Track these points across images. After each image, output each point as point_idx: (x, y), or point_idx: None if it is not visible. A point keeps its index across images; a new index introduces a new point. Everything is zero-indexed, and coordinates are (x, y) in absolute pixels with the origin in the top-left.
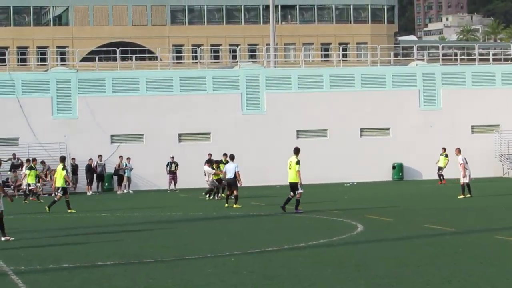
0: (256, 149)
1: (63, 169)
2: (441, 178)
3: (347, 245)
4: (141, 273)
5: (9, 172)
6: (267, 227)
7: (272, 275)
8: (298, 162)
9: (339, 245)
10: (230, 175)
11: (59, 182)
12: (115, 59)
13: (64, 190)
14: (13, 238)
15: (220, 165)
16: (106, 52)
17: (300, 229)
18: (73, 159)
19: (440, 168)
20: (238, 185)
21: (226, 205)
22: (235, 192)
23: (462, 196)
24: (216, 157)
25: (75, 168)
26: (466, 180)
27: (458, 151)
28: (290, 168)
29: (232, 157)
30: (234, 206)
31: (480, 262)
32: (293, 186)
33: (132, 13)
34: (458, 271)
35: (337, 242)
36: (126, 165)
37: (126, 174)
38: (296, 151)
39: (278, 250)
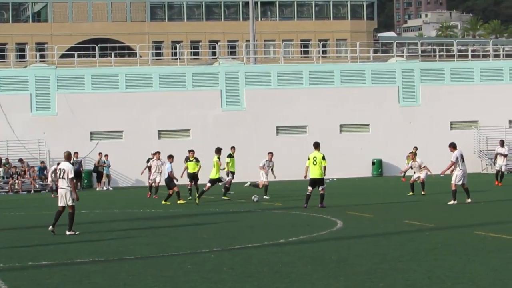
0: (235, 145)
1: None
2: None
3: (327, 241)
4: (121, 270)
5: None
6: (247, 224)
7: (252, 272)
8: (324, 157)
9: (319, 241)
10: (165, 176)
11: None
12: (94, 56)
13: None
14: (78, 232)
15: (188, 162)
16: (85, 48)
17: (280, 226)
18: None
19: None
20: (175, 181)
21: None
22: (170, 192)
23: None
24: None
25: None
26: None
27: (453, 147)
28: (314, 164)
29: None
30: (163, 202)
31: (460, 258)
32: (318, 181)
33: (112, 10)
34: (438, 266)
35: (317, 238)
36: (105, 162)
37: (105, 171)
38: (317, 145)
39: (258, 247)
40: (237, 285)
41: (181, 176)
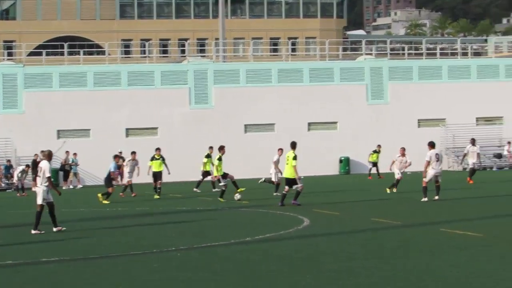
0: (203, 143)
1: None
2: (370, 173)
3: (293, 239)
4: (87, 269)
5: None
6: (213, 222)
7: (218, 270)
8: (295, 157)
9: (286, 239)
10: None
11: None
12: (62, 54)
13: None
14: (64, 228)
15: (152, 161)
16: (53, 46)
17: (247, 224)
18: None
19: (373, 164)
20: (114, 182)
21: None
22: (109, 190)
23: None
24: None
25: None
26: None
27: (430, 146)
28: (287, 163)
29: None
30: (100, 198)
31: (426, 255)
32: (290, 181)
33: (81, 7)
34: (404, 264)
35: (284, 236)
36: (72, 160)
37: (73, 170)
38: (293, 145)
39: (224, 245)
40: (203, 284)
41: (148, 174)
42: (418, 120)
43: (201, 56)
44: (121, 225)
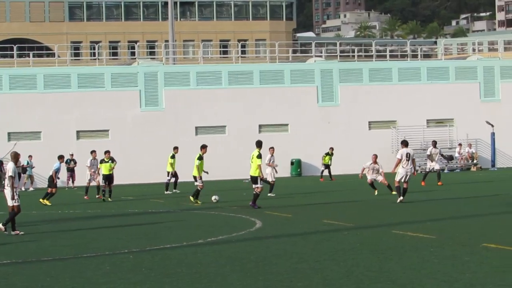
0: (154, 146)
1: None
2: (322, 175)
3: (245, 241)
4: (39, 271)
5: None
6: (166, 224)
7: (171, 273)
8: (259, 156)
9: (238, 242)
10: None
11: None
12: (12, 56)
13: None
14: (22, 233)
15: (101, 164)
16: (3, 49)
17: (199, 226)
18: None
19: (325, 166)
20: (55, 183)
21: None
22: (50, 190)
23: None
24: (116, 155)
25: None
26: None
27: (402, 145)
28: (252, 162)
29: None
30: (43, 200)
31: (378, 257)
32: (253, 180)
33: (30, 10)
34: (356, 265)
35: (236, 238)
36: (28, 163)
37: (28, 172)
38: (258, 144)
39: (177, 247)
40: (155, 286)
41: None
42: (369, 122)
43: (151, 58)
44: (73, 227)
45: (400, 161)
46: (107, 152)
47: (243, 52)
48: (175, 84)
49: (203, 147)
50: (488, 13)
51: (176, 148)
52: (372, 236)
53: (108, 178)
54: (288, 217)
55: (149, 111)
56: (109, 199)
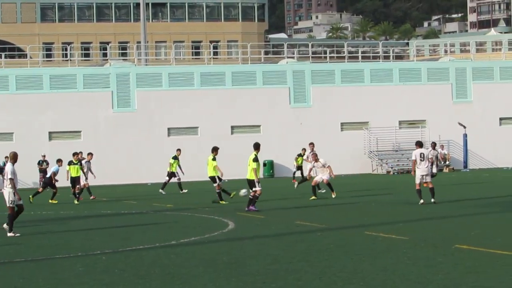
0: (127, 147)
1: None
2: (294, 177)
3: (218, 242)
4: (12, 272)
5: None
6: (138, 226)
7: (144, 274)
8: (255, 159)
9: (211, 243)
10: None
11: None
12: None
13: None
14: (18, 234)
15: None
16: None
17: (172, 227)
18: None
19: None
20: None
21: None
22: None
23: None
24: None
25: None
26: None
27: (418, 145)
28: (248, 165)
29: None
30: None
31: (351, 258)
32: (249, 183)
33: (2, 11)
34: (329, 267)
35: (209, 240)
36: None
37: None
38: (256, 146)
39: (150, 248)
40: (128, 287)
41: (67, 179)
42: (341, 123)
43: (123, 59)
44: (46, 229)
45: (415, 162)
46: (75, 154)
47: (215, 53)
48: (147, 85)
49: (215, 149)
50: (460, 15)
51: (178, 150)
52: (345, 237)
53: (75, 181)
54: (261, 219)
55: (121, 112)
56: (76, 201)
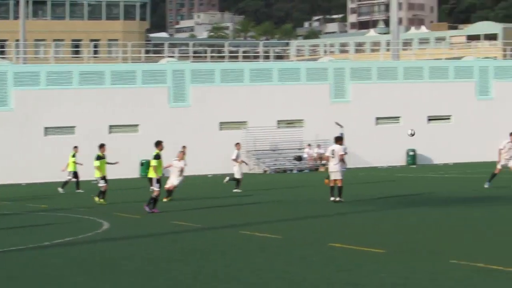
0: (2, 147)
1: None
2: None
3: (92, 243)
4: None
5: None
6: (11, 227)
7: (15, 276)
8: (156, 157)
9: (84, 243)
10: None
11: None
12: None
13: None
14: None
15: None
16: None
17: (45, 228)
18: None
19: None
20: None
21: None
22: None
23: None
24: None
25: None
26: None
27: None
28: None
29: None
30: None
31: (225, 258)
32: (149, 182)
33: None
34: (203, 267)
35: (83, 240)
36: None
37: None
38: (156, 144)
39: (22, 250)
40: None
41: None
42: (220, 123)
43: (1, 57)
44: None
45: (328, 158)
46: None
47: (96, 52)
48: (25, 84)
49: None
50: (340, 16)
51: (76, 147)
52: (220, 237)
53: None
54: (137, 219)
55: None
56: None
